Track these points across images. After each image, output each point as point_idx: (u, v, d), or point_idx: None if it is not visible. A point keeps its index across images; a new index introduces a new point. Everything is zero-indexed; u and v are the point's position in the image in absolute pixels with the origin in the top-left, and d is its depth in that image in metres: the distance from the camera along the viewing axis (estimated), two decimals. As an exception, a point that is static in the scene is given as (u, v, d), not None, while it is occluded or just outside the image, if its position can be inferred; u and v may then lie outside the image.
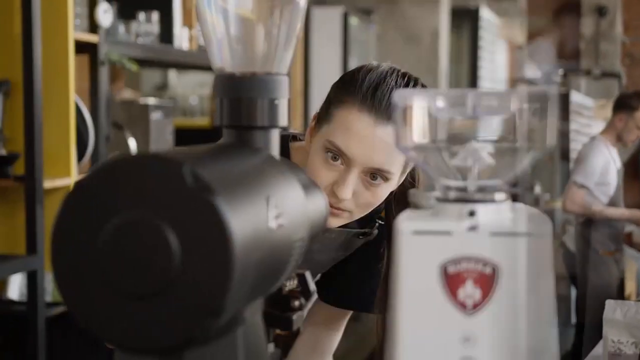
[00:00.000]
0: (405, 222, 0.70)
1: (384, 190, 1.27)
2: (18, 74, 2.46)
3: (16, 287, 2.67)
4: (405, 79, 1.28)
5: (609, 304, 1.90)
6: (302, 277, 0.83)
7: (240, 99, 0.80)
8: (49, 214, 2.43)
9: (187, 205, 0.62)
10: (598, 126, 8.12)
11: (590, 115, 7.62)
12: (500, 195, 0.72)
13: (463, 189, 0.72)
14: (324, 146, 1.25)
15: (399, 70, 1.29)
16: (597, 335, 4.34)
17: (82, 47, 2.70)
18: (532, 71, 5.62)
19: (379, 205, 1.30)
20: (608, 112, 8.09)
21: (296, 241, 0.75)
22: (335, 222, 1.28)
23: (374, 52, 5.67)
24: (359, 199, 1.26)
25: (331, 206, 1.24)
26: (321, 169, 1.25)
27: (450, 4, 6.31)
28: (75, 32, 2.62)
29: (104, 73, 2.73)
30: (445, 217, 0.71)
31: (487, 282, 0.68)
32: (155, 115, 3.06)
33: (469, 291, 0.68)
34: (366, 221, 1.39)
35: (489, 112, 0.71)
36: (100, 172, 0.63)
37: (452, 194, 0.72)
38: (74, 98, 2.58)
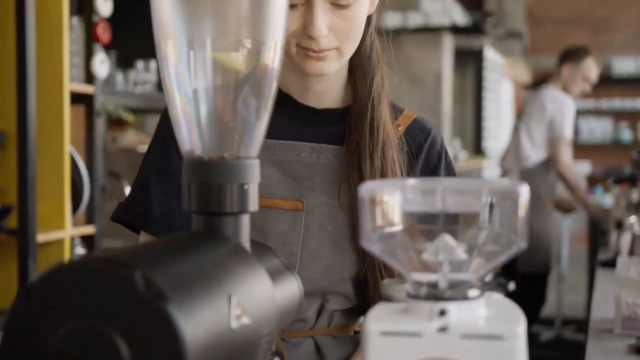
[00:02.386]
0: (374, 323, 0.67)
1: (359, 10, 1.17)
2: (12, 125, 2.46)
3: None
4: None
5: (621, 260, 1.72)
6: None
7: (210, 184, 0.78)
8: (42, 268, 2.40)
9: (138, 312, 0.59)
10: (507, 83, 8.20)
11: (501, 72, 7.71)
12: (473, 292, 0.69)
13: (434, 284, 0.69)
14: None
15: None
16: (533, 280, 4.34)
17: (78, 98, 2.69)
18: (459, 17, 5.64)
19: None
20: (516, 69, 8.18)
21: (262, 337, 0.72)
22: (327, 67, 1.18)
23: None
24: (337, 30, 1.16)
25: (313, 51, 1.16)
26: (293, 22, 1.16)
27: (453, 46, 6.32)
28: (72, 83, 2.61)
29: (100, 123, 2.72)
30: (415, 316, 0.68)
31: (456, 389, 0.64)
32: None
33: (437, 400, 0.65)
34: None
35: (458, 207, 0.68)
36: (52, 276, 0.61)
37: (423, 290, 0.69)
38: (69, 149, 2.56)
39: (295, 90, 1.27)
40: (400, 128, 1.28)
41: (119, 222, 1.27)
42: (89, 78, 2.71)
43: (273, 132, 1.23)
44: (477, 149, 7.30)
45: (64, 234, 2.53)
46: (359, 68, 1.27)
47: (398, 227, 0.70)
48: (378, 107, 1.24)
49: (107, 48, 2.84)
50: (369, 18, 1.26)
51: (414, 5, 5.65)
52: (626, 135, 9.96)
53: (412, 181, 0.71)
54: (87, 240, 2.75)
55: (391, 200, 0.69)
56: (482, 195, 0.68)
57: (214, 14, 0.78)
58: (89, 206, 2.70)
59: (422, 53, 5.64)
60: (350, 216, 1.20)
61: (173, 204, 1.21)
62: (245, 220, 0.79)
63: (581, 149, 10.06)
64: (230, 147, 0.80)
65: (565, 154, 4.33)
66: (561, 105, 4.40)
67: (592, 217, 4.87)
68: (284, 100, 1.27)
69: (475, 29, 5.95)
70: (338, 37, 1.16)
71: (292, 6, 1.14)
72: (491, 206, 0.68)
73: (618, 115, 10.02)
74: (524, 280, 4.04)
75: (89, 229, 2.70)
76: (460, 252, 0.69)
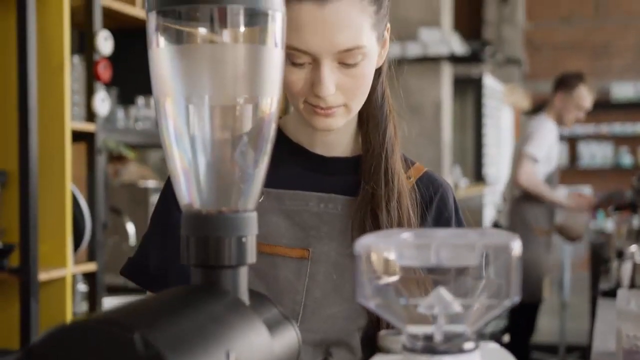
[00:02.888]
0: (370, 377, 0.68)
1: (367, 67, 1.16)
2: (14, 165, 2.47)
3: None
4: None
5: (622, 293, 1.72)
6: None
7: (208, 237, 0.79)
8: (44, 307, 2.41)
9: (138, 374, 0.60)
10: (506, 110, 8.23)
11: (500, 98, 7.74)
12: (468, 345, 0.70)
13: (429, 337, 0.70)
14: (285, 55, 1.18)
15: None
16: (522, 309, 4.30)
17: (79, 135, 2.71)
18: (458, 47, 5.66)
19: None
20: (515, 96, 8.20)
21: (261, 390, 0.73)
22: (335, 123, 1.18)
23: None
24: (345, 88, 1.15)
25: (321, 108, 1.16)
26: (290, 77, 1.15)
27: (452, 75, 6.36)
28: (73, 122, 2.63)
29: (101, 161, 2.74)
30: (411, 369, 0.69)
31: None
32: (156, 199, 3.05)
33: None
34: None
35: (452, 262, 0.69)
36: (52, 337, 0.62)
37: (419, 344, 0.70)
38: (70, 187, 2.58)
39: (305, 140, 1.28)
40: (411, 179, 1.28)
41: (125, 277, 1.33)
42: (90, 116, 2.73)
43: (283, 181, 1.24)
44: (478, 176, 7.31)
45: (65, 272, 2.53)
46: (371, 119, 1.27)
47: (393, 281, 0.71)
48: (392, 156, 1.25)
49: (108, 85, 2.86)
50: (379, 70, 1.26)
51: (412, 35, 5.70)
52: (627, 159, 9.98)
53: (406, 235, 0.72)
54: (88, 277, 2.75)
55: (386, 255, 0.70)
56: (476, 249, 0.69)
57: (211, 72, 0.80)
58: (91, 243, 2.71)
59: (422, 82, 5.67)
60: None
61: (172, 260, 1.22)
62: (243, 273, 0.80)
63: (582, 174, 10.08)
64: (229, 200, 0.81)
65: (524, 168, 4.28)
66: (539, 125, 4.42)
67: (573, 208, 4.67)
68: (294, 150, 1.28)
69: (473, 58, 5.98)
70: (345, 94, 1.16)
71: (299, 65, 1.14)
72: (486, 260, 0.69)
73: (618, 140, 10.05)
74: (515, 310, 4.03)
75: (91, 266, 2.71)
76: (456, 306, 0.70)
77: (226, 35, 0.80)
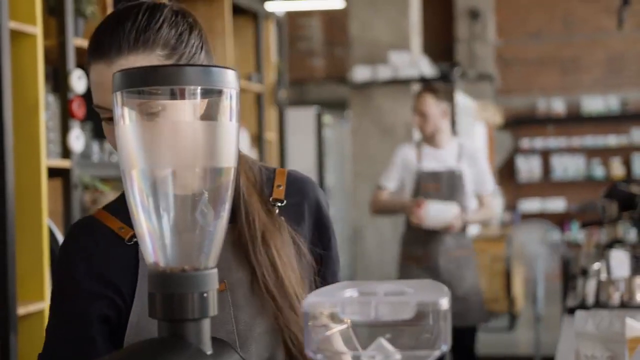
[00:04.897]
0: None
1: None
2: (-9, 202, 2.53)
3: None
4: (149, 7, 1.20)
5: (580, 315, 1.78)
6: None
7: (172, 294, 0.87)
8: (23, 341, 2.47)
9: None
10: (479, 126, 8.36)
11: (473, 115, 7.84)
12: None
13: (372, 384, 0.79)
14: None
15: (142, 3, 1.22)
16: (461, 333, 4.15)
17: (55, 172, 2.78)
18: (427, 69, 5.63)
19: None
20: (487, 112, 8.30)
21: None
22: None
23: (349, 145, 5.80)
24: None
25: None
26: (107, 132, 1.21)
27: (423, 94, 6.47)
28: (49, 159, 2.70)
29: (76, 196, 2.81)
30: (355, 413, 0.77)
31: None
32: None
33: None
34: None
35: (391, 315, 0.78)
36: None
37: (362, 390, 0.78)
38: (47, 222, 2.64)
39: None
40: (281, 188, 1.33)
41: None
42: (66, 152, 2.80)
43: None
44: (452, 193, 7.42)
45: (43, 305, 2.59)
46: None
47: (337, 335, 0.80)
48: (249, 199, 1.29)
49: (82, 121, 2.93)
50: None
51: (382, 58, 5.81)
52: (599, 171, 10.16)
53: (349, 292, 0.81)
54: (67, 308, 2.79)
55: (331, 311, 0.79)
56: (410, 306, 0.78)
57: (172, 145, 0.88)
58: (68, 276, 2.76)
59: (393, 104, 5.79)
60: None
61: (84, 352, 1.24)
62: (206, 324, 0.88)
63: (555, 186, 10.25)
64: (191, 258, 0.89)
65: (373, 197, 4.18)
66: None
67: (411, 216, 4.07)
68: None
69: (443, 79, 6.11)
70: None
71: (108, 119, 1.19)
72: (419, 314, 0.78)
73: (590, 152, 10.23)
74: (456, 333, 4.00)
75: (69, 297, 2.75)
76: (396, 355, 0.78)
77: (184, 112, 0.88)
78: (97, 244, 1.26)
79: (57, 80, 2.86)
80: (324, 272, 1.35)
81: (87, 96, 2.86)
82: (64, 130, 2.80)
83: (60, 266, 1.29)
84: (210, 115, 0.89)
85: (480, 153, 4.07)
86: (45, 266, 2.61)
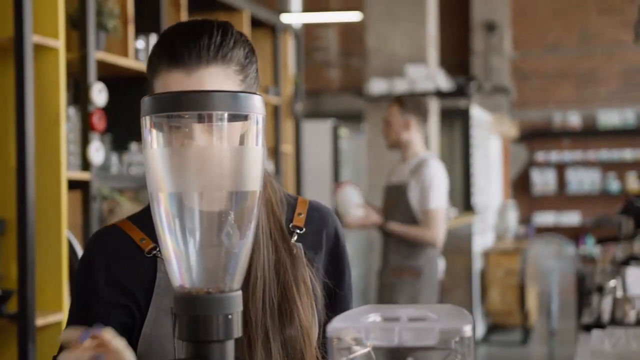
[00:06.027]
0: None
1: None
2: (12, 213, 2.56)
3: None
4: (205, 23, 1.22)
5: (596, 333, 1.80)
6: None
7: (197, 316, 0.88)
8: (41, 351, 2.49)
9: None
10: (495, 139, 8.34)
11: (488, 128, 7.81)
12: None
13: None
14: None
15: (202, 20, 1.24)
16: None
17: (75, 184, 2.80)
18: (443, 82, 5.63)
19: None
20: (503, 125, 8.28)
21: None
22: None
23: (365, 157, 5.81)
24: None
25: None
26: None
27: (439, 108, 6.48)
28: (69, 171, 2.73)
29: (95, 208, 2.83)
30: None
31: None
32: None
33: None
34: None
35: (414, 343, 0.79)
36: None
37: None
38: (66, 234, 2.67)
39: None
40: (301, 216, 1.35)
41: None
42: (85, 165, 2.83)
43: None
44: (467, 205, 7.41)
45: (62, 316, 2.62)
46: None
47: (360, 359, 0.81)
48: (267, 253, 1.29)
49: (102, 133, 2.96)
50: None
51: (399, 72, 5.82)
52: (614, 185, 10.11)
53: (372, 317, 0.82)
54: (84, 319, 2.81)
55: (355, 338, 0.80)
56: (434, 332, 0.79)
57: (199, 170, 0.90)
58: (86, 287, 2.78)
59: (409, 117, 5.77)
60: None
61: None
62: (230, 346, 0.90)
63: (570, 200, 10.20)
64: (215, 280, 0.90)
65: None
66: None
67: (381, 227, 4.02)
68: None
69: (459, 93, 6.11)
70: None
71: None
72: (442, 340, 0.79)
73: (605, 166, 10.18)
74: None
75: (86, 308, 2.77)
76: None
77: (212, 136, 0.90)
78: (118, 252, 1.28)
79: (78, 93, 2.89)
80: (334, 307, 1.34)
81: (107, 109, 2.89)
82: (84, 142, 2.83)
83: (81, 274, 1.31)
84: (236, 139, 0.91)
85: (431, 169, 3.91)
86: (64, 277, 2.64)
